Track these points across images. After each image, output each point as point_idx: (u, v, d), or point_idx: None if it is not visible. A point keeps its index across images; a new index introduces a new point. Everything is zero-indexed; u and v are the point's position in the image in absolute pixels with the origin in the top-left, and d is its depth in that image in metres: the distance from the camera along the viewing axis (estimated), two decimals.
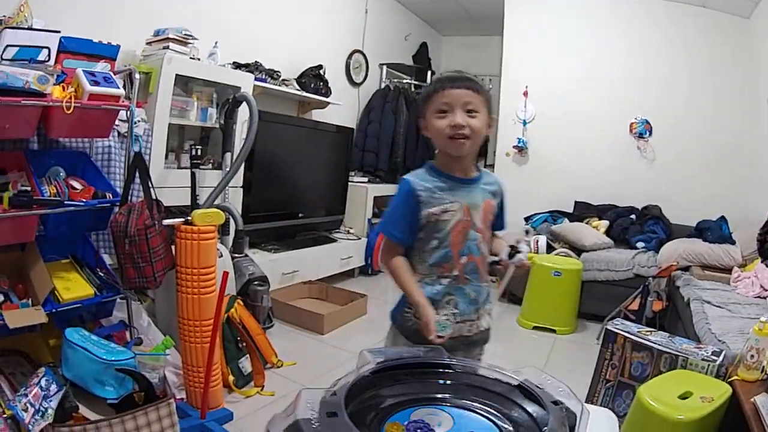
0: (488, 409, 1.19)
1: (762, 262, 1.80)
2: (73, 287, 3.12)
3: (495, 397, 1.24)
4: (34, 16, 3.21)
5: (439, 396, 1.24)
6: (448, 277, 1.99)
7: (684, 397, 2.62)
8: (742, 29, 6.32)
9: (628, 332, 3.27)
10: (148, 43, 4.21)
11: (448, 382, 1.31)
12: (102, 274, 3.34)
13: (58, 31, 3.17)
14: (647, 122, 6.76)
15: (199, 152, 4.07)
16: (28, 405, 2.48)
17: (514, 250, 2.03)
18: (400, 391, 1.24)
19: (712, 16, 6.45)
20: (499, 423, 1.14)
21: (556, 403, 1.14)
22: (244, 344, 3.63)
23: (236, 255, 4.20)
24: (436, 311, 1.93)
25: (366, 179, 7.23)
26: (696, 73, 6.58)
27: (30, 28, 3.10)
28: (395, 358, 1.35)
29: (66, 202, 3.00)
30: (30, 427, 2.40)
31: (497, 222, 2.13)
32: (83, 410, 2.63)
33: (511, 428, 1.13)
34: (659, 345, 3.10)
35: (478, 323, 2.08)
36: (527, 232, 1.74)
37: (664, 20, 6.70)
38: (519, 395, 1.23)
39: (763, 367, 2.64)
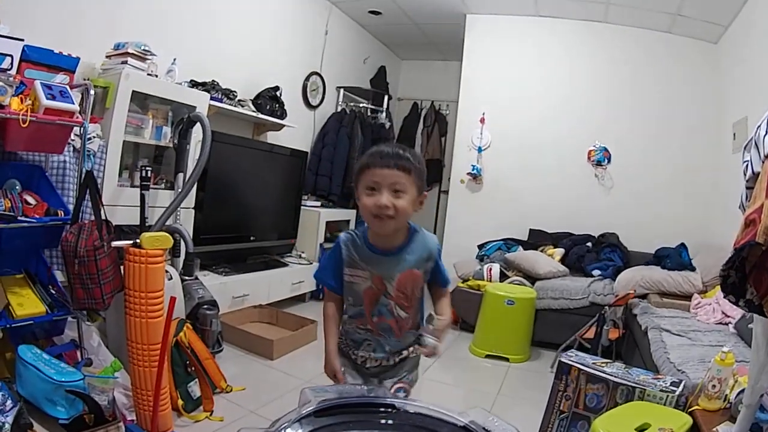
0: None
1: (725, 297, 1.85)
2: (26, 303, 3.15)
3: None
4: (1, 22, 3.20)
5: None
6: (364, 329, 2.16)
7: (642, 429, 2.54)
8: (709, 55, 6.50)
9: (582, 364, 3.20)
10: (107, 57, 4.17)
11: (391, 421, 1.30)
12: (54, 292, 3.36)
13: (22, 39, 3.19)
14: (606, 149, 6.89)
15: (149, 173, 4.05)
16: None
17: (419, 339, 2.13)
18: (341, 430, 1.23)
19: (679, 42, 6.63)
20: None
21: None
22: (193, 368, 3.59)
23: (186, 278, 4.16)
24: (357, 350, 2.18)
25: (319, 203, 7.19)
26: (660, 99, 6.74)
27: None
28: (337, 398, 1.34)
29: (20, 218, 3.03)
30: None
31: (436, 279, 2.24)
32: (37, 428, 2.71)
33: None
34: (615, 377, 3.04)
35: (396, 357, 2.20)
36: (430, 317, 1.84)
37: (630, 47, 6.85)
38: None
39: (726, 396, 2.66)
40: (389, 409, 1.35)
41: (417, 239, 2.13)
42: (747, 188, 1.98)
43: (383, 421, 1.30)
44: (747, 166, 1.96)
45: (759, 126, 1.89)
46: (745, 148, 2.01)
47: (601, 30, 6.94)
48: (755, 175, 1.88)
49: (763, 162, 1.82)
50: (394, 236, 2.08)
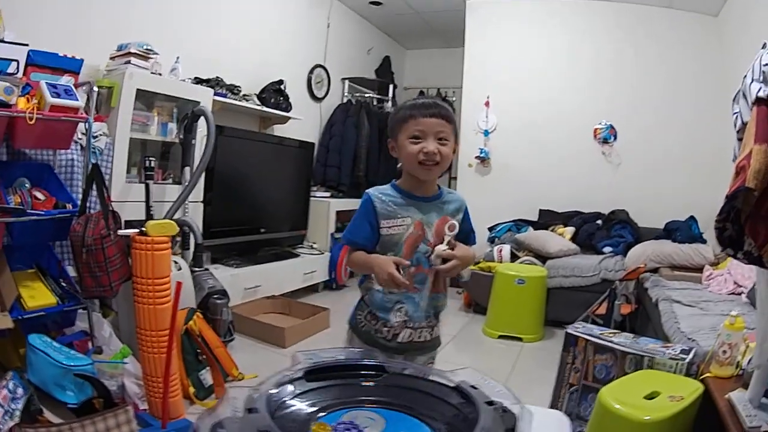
0: (422, 410, 1.18)
1: (722, 251, 1.82)
2: (38, 296, 3.25)
3: (430, 398, 1.23)
4: (5, 29, 3.28)
5: (373, 398, 1.24)
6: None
7: (651, 397, 2.53)
8: (710, 27, 6.44)
9: (589, 335, 3.19)
10: (111, 58, 4.24)
11: (382, 384, 1.30)
12: (64, 284, 3.45)
13: (27, 45, 3.29)
14: (612, 127, 6.84)
15: (152, 164, 4.11)
16: None
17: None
18: (332, 392, 1.24)
19: (679, 16, 6.56)
20: (433, 424, 1.13)
21: (490, 403, 1.13)
22: (204, 357, 3.62)
23: (195, 269, 4.19)
24: (389, 316, 2.05)
25: (328, 194, 7.22)
26: (663, 74, 6.67)
27: (1, 41, 3.20)
28: (328, 360, 1.35)
29: (29, 211, 3.14)
30: (0, 427, 2.47)
31: (465, 236, 2.17)
32: (47, 414, 2.78)
33: (445, 430, 1.12)
34: (622, 346, 3.01)
35: (428, 332, 2.12)
36: (448, 227, 1.79)
37: (630, 23, 6.79)
38: (455, 397, 1.22)
39: (738, 362, 2.61)
40: (379, 372, 1.34)
41: (447, 191, 2.17)
42: (738, 140, 1.97)
43: (374, 384, 1.30)
44: (737, 117, 1.96)
45: (745, 76, 1.89)
46: (734, 100, 2.00)
47: (602, 7, 6.88)
48: (745, 125, 1.88)
49: (751, 109, 1.81)
50: (431, 185, 2.12)
